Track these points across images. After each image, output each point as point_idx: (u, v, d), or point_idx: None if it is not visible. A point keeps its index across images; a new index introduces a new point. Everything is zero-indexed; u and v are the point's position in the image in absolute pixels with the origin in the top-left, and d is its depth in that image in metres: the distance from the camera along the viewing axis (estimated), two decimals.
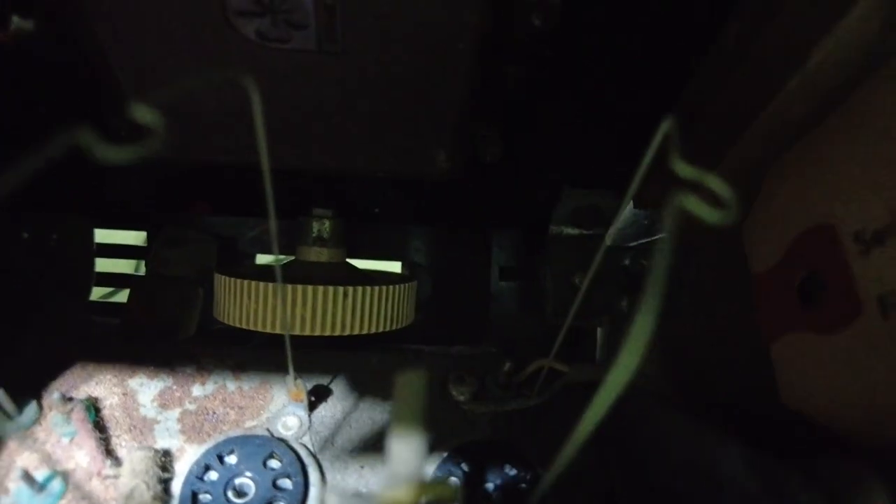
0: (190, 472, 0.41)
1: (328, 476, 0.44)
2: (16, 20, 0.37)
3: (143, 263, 0.61)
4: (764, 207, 0.37)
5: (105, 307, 0.65)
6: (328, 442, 0.46)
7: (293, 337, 0.38)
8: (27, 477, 0.39)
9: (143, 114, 0.17)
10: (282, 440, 0.44)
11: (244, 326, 0.49)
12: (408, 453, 0.21)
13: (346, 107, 0.42)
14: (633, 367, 0.17)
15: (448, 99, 0.41)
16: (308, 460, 0.43)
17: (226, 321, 0.50)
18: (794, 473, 0.27)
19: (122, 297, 0.57)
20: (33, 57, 0.42)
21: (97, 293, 0.64)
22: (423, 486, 0.21)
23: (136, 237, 0.66)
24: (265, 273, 0.52)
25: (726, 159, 0.34)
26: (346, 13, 0.35)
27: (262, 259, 0.65)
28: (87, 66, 0.40)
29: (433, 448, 0.45)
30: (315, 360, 0.51)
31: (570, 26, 0.41)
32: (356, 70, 0.39)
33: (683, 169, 0.18)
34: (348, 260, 0.57)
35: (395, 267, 0.68)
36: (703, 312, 0.45)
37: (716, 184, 0.17)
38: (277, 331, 0.48)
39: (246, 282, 0.48)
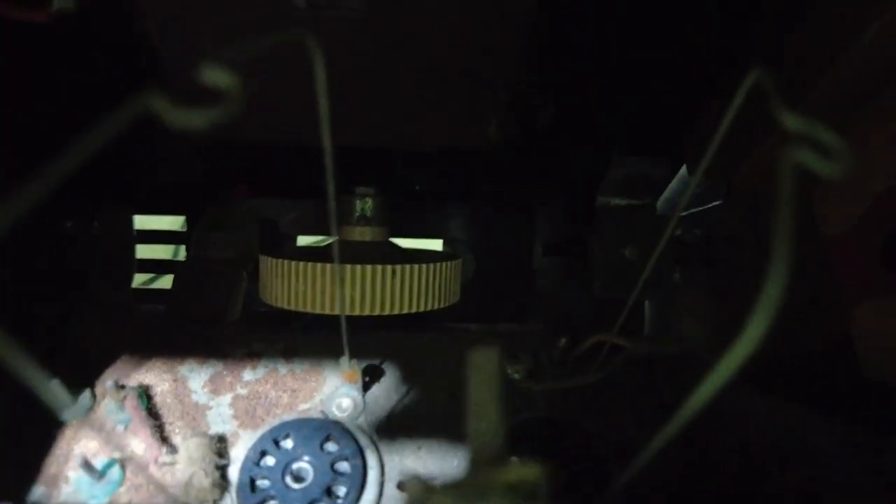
0: (247, 458, 0.42)
1: (385, 458, 0.44)
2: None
3: (181, 249, 0.62)
4: None
5: (146, 294, 0.65)
6: (383, 423, 0.46)
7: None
8: (86, 465, 0.40)
9: (216, 75, 0.16)
10: (337, 423, 0.44)
11: (293, 308, 0.50)
12: (488, 433, 0.21)
13: (396, 77, 0.42)
14: (758, 339, 0.17)
15: (505, 62, 0.41)
16: (364, 442, 0.44)
17: (274, 303, 0.52)
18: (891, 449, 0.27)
19: (162, 283, 0.58)
20: (78, 37, 0.42)
21: (137, 280, 0.64)
22: (508, 467, 0.20)
23: (172, 222, 0.67)
24: (308, 254, 0.53)
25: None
26: None
27: (303, 241, 0.65)
28: (134, 44, 0.39)
29: None
30: (365, 340, 0.51)
31: None
32: (407, 35, 0.38)
33: (792, 121, 0.17)
34: (390, 239, 0.58)
35: (435, 245, 0.68)
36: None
37: (826, 134, 0.16)
38: (327, 311, 0.49)
39: (294, 262, 0.49)
